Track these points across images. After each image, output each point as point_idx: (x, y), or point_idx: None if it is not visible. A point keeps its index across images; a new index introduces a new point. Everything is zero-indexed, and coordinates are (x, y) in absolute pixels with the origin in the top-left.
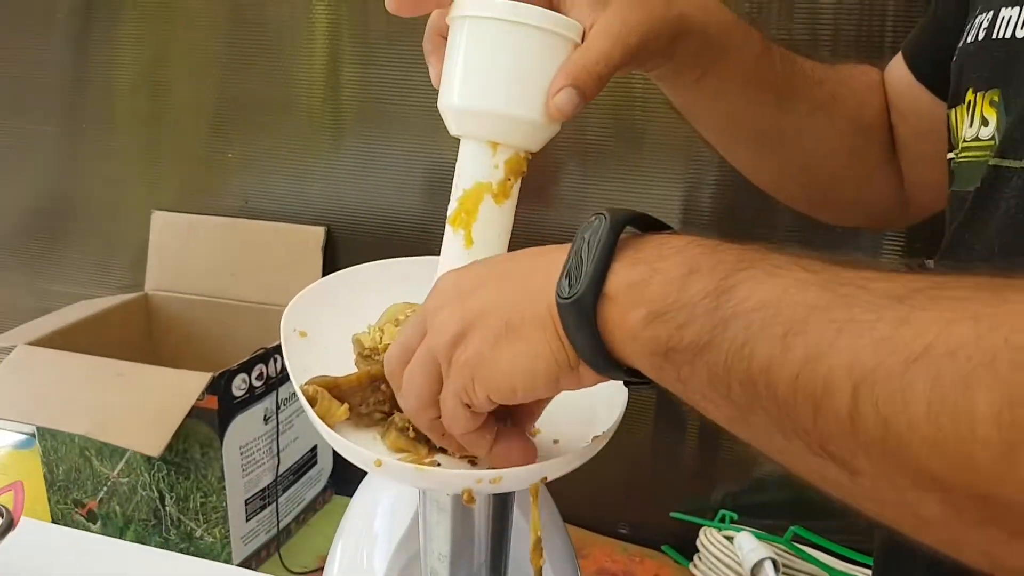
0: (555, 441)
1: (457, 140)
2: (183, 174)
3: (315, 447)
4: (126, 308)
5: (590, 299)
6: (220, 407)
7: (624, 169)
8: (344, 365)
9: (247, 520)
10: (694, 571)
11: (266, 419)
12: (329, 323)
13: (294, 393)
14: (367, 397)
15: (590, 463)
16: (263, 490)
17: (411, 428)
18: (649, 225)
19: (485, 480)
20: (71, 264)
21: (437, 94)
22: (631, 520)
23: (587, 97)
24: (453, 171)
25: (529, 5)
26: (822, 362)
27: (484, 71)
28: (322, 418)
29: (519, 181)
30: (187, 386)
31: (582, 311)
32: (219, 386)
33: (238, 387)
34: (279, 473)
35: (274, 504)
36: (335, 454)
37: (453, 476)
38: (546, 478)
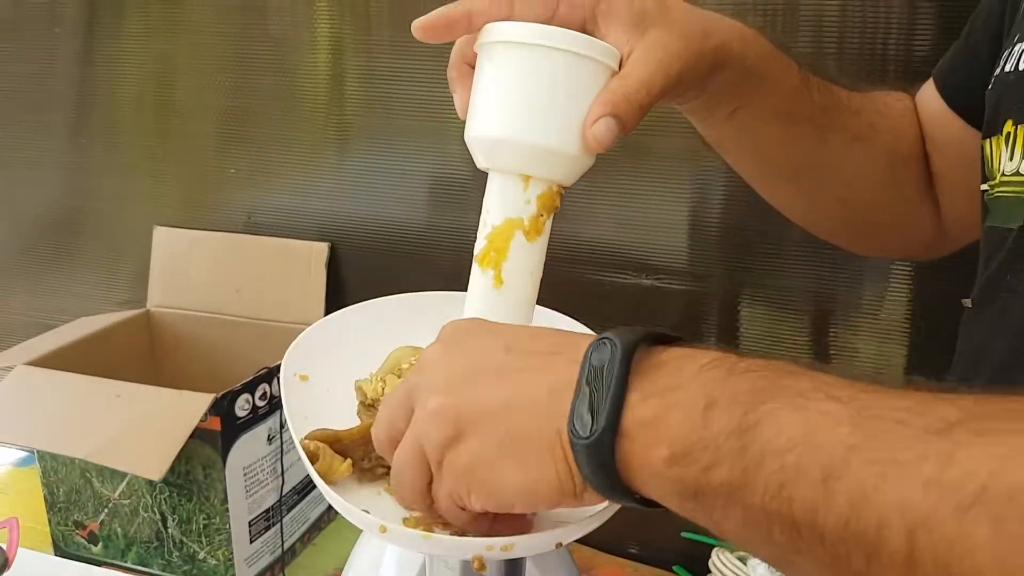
0: None
1: (471, 165)
2: (186, 189)
3: None
4: (128, 325)
5: (608, 441)
6: (223, 428)
7: (629, 182)
8: (347, 411)
9: (251, 541)
10: None
11: (270, 439)
12: (331, 366)
13: None
14: (369, 451)
15: None
16: (267, 511)
17: None
18: (658, 337)
19: (496, 548)
20: (73, 279)
21: (441, 108)
22: (641, 539)
23: (627, 128)
24: (457, 185)
25: (564, 30)
26: (870, 508)
27: (517, 100)
28: (324, 475)
29: (552, 217)
30: (189, 407)
31: (599, 453)
32: (222, 407)
33: (241, 407)
34: (283, 493)
35: (278, 524)
36: None
37: (463, 544)
38: (561, 544)
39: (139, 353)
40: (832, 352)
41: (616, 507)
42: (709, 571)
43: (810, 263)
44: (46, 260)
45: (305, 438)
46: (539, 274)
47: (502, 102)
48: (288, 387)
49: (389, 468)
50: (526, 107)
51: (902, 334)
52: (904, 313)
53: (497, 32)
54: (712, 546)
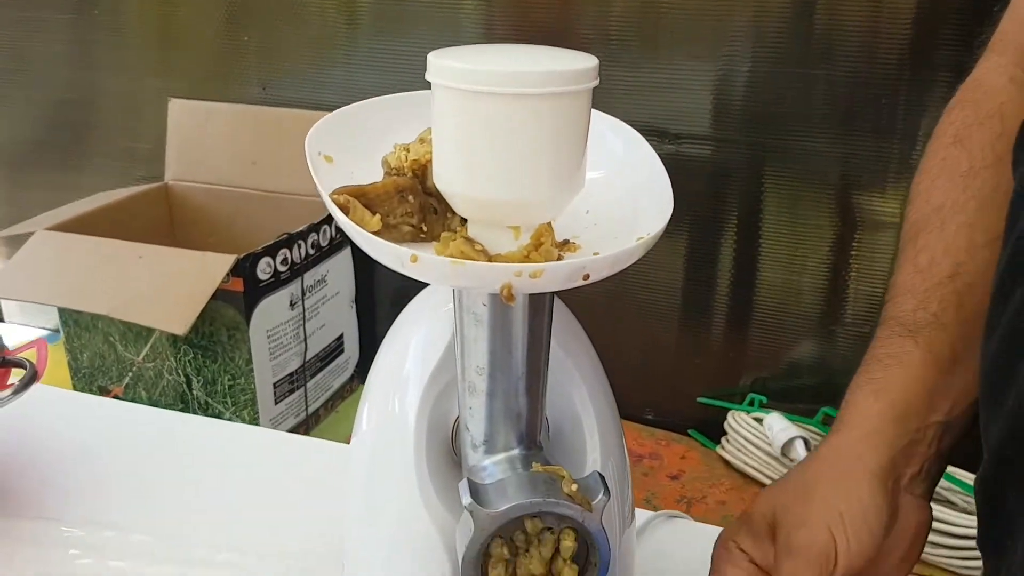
0: (595, 253)
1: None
2: (199, 60)
3: (341, 335)
4: (146, 198)
5: None
6: (246, 290)
7: (649, 59)
8: None
9: (275, 403)
10: (722, 452)
11: (292, 304)
12: (356, 149)
13: (319, 280)
14: (394, 208)
15: (614, 349)
16: (291, 375)
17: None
18: None
19: (525, 274)
20: (92, 156)
21: None
22: (657, 406)
23: None
24: None
25: (544, 68)
26: None
27: (517, 158)
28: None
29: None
30: (211, 268)
31: None
32: (244, 269)
33: (263, 271)
34: (306, 359)
35: (302, 389)
36: (361, 344)
37: (491, 270)
38: (588, 275)
39: (158, 226)
40: (858, 220)
41: (646, 247)
42: (724, 433)
43: (836, 128)
44: (64, 138)
45: (332, 194)
46: None
47: (492, 158)
48: (315, 163)
49: (414, 226)
50: (530, 164)
51: None
52: None
53: (465, 77)
54: (727, 409)
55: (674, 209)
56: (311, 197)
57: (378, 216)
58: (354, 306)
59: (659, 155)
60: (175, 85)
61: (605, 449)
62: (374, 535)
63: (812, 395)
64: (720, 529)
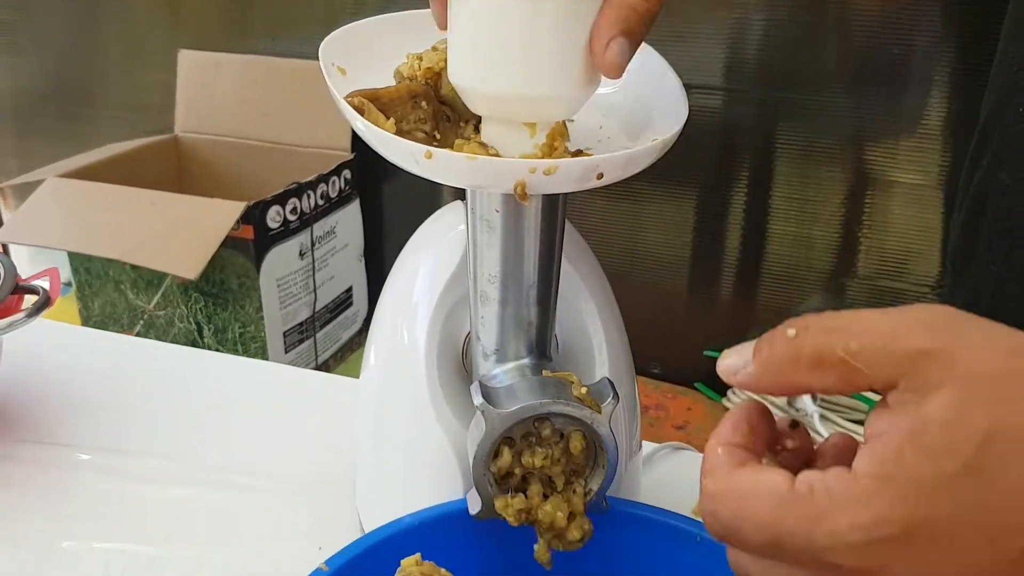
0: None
1: None
2: (207, 10)
3: (350, 288)
4: (156, 149)
5: None
6: (256, 237)
7: (662, 8)
8: None
9: (286, 352)
10: (727, 404)
11: (301, 254)
12: (368, 63)
13: (328, 231)
14: (407, 114)
15: (622, 303)
16: (301, 324)
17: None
18: None
19: (539, 170)
20: (100, 108)
21: None
22: (663, 359)
23: (638, 44)
24: None
25: None
26: None
27: (534, 47)
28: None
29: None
30: (222, 214)
31: None
32: (254, 216)
33: (272, 219)
34: (316, 309)
35: (312, 339)
36: (370, 298)
37: (505, 165)
38: (602, 175)
39: (167, 177)
40: (869, 173)
41: (658, 149)
42: (731, 386)
43: (848, 81)
44: (73, 92)
45: (346, 96)
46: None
47: (509, 53)
48: (329, 72)
49: (427, 132)
50: (536, 56)
51: (938, 152)
52: (943, 129)
53: None
54: None
55: (684, 161)
56: (321, 149)
57: (392, 120)
58: (363, 260)
59: None
60: (183, 36)
61: (613, 364)
62: (387, 448)
63: None
64: None
